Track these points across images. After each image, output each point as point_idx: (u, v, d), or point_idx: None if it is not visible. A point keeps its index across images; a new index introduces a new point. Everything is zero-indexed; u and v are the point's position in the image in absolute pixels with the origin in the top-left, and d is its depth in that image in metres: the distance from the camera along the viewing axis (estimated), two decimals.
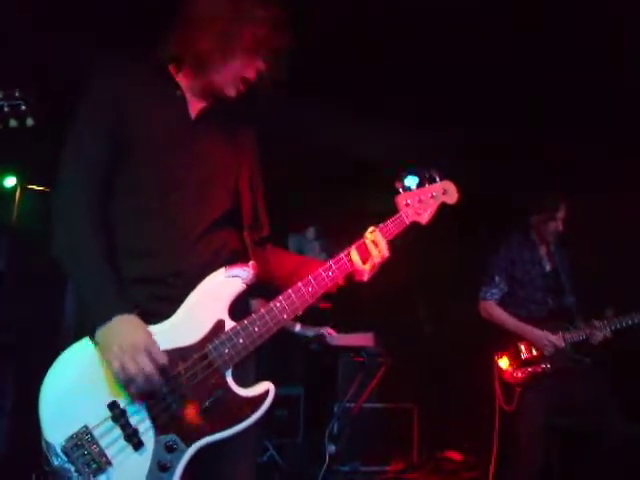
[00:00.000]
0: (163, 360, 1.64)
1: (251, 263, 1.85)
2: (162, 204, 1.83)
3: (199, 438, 1.66)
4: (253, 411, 1.73)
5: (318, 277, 1.87)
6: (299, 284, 1.86)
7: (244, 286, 1.82)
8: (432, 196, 2.06)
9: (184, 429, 1.66)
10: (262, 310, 1.81)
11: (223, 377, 1.73)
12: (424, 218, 2.06)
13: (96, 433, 1.60)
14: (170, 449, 1.64)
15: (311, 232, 5.07)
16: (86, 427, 1.59)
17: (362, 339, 5.14)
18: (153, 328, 1.70)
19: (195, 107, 1.97)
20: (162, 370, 1.64)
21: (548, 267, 3.99)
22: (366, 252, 1.95)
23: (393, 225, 2.02)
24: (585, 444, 3.70)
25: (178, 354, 1.70)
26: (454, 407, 5.49)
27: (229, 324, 1.77)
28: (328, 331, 5.00)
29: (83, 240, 1.72)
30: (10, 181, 5.35)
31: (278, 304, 1.82)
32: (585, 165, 4.93)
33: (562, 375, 3.65)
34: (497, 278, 3.95)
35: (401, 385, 5.34)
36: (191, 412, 1.67)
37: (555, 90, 4.53)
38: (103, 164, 1.81)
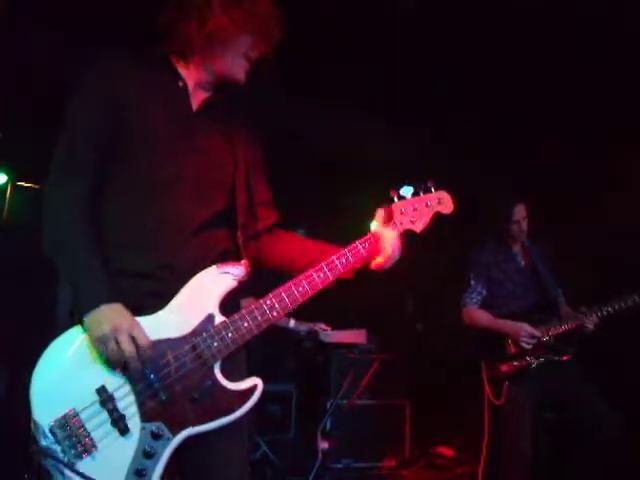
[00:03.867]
0: (145, 342, 1.67)
1: (243, 261, 1.87)
2: (157, 199, 1.83)
3: (185, 427, 1.69)
4: (240, 405, 1.75)
5: (309, 278, 1.89)
6: (290, 284, 1.88)
7: (235, 283, 1.84)
8: (427, 205, 2.09)
9: (171, 417, 1.68)
10: (252, 306, 1.83)
11: (211, 369, 1.75)
12: (418, 227, 2.09)
13: (83, 416, 1.63)
14: (156, 436, 1.66)
15: (301, 232, 5.06)
16: (74, 410, 1.63)
17: (355, 336, 5.15)
18: (144, 319, 1.72)
19: (197, 99, 1.96)
20: (145, 353, 1.67)
21: (523, 262, 4.01)
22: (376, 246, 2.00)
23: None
24: (574, 437, 3.73)
25: (167, 344, 1.73)
26: (446, 403, 5.51)
27: (219, 319, 1.79)
28: (322, 327, 5.01)
29: (71, 232, 1.74)
30: (0, 178, 5.34)
31: (268, 302, 1.84)
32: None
33: (548, 368, 3.67)
34: (473, 282, 3.96)
35: (393, 382, 5.35)
36: (178, 401, 1.70)
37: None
38: (95, 162, 1.81)
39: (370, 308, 5.72)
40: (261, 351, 4.74)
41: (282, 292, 1.86)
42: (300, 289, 1.87)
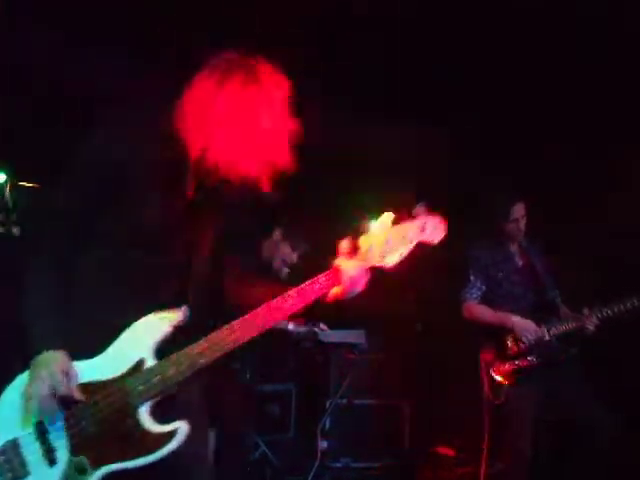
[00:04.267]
0: (72, 386, 1.76)
1: (183, 307, 1.88)
2: (127, 281, 1.87)
3: (107, 463, 1.77)
4: (158, 447, 1.79)
5: (243, 323, 1.84)
6: (223, 330, 1.84)
7: (170, 329, 1.85)
8: (403, 237, 1.83)
9: (94, 452, 1.78)
10: (182, 351, 1.83)
11: (135, 410, 1.81)
12: (389, 262, 1.85)
13: (21, 445, 1.79)
14: (80, 470, 1.77)
15: (277, 234, 5.03)
16: (14, 439, 1.79)
17: (354, 336, 5.15)
18: (81, 363, 1.82)
19: (193, 184, 1.92)
20: (75, 393, 1.76)
21: (520, 262, 4.01)
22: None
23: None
24: (574, 437, 3.73)
25: (99, 385, 1.82)
26: (446, 403, 5.50)
27: (149, 363, 1.83)
28: (321, 327, 5.00)
29: (35, 279, 1.92)
30: (0, 178, 5.33)
31: (198, 349, 1.83)
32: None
33: (549, 368, 3.68)
34: (472, 277, 3.97)
35: (393, 381, 5.35)
36: (102, 438, 1.78)
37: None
38: (84, 224, 1.86)
39: (370, 308, 5.71)
40: (260, 351, 4.74)
41: (214, 337, 1.84)
42: (232, 336, 1.83)
